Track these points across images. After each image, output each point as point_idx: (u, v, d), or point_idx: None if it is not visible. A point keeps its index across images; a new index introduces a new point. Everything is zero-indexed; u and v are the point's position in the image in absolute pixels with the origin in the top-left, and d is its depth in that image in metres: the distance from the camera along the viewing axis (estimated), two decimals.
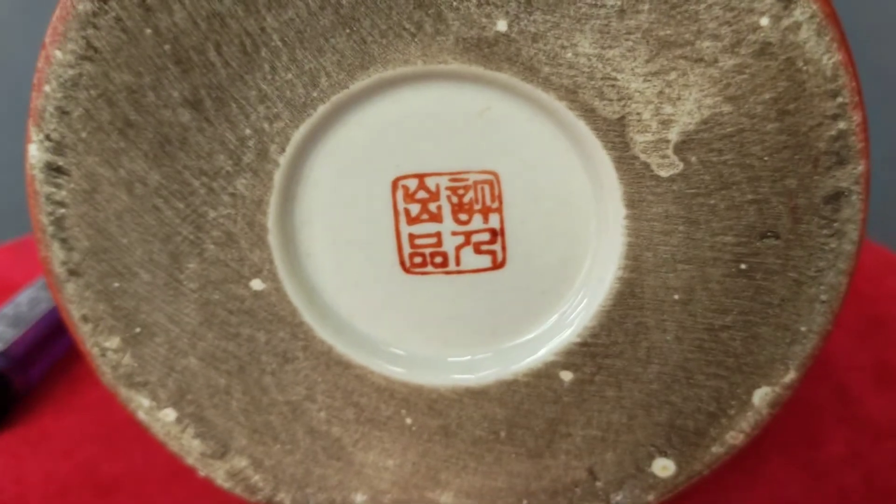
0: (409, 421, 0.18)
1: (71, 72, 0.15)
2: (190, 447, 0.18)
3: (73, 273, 0.16)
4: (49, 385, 0.27)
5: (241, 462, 0.18)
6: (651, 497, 0.18)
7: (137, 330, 0.17)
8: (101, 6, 0.14)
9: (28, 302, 0.28)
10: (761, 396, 0.17)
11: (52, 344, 0.27)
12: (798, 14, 0.14)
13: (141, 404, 0.18)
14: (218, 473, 0.19)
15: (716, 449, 0.18)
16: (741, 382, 0.17)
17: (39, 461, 0.23)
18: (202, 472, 0.19)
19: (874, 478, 0.22)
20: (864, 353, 0.28)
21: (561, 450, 0.18)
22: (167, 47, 0.15)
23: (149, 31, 0.15)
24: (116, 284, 0.17)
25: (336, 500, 0.19)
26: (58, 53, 0.15)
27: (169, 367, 0.17)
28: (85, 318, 0.17)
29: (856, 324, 0.30)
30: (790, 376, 0.17)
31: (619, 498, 0.19)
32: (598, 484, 0.18)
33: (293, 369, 0.18)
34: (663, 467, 0.18)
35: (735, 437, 0.18)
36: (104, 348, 0.17)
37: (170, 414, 0.18)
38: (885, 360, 0.27)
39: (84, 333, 0.17)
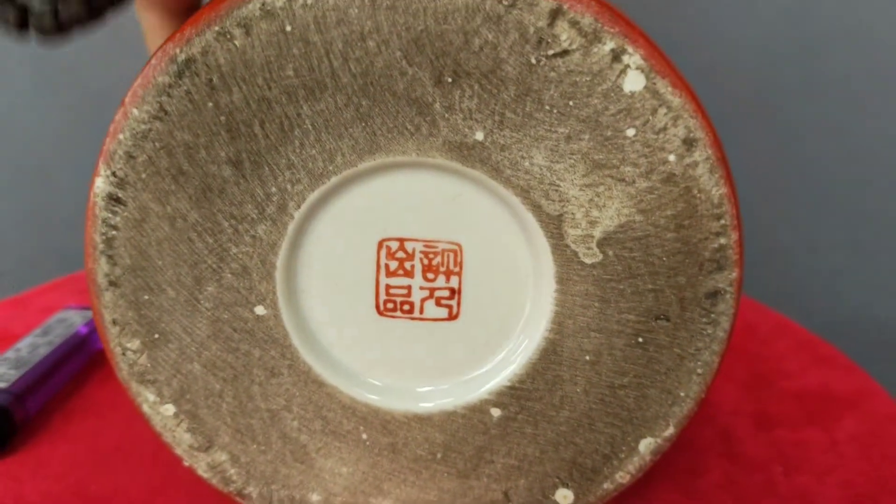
0: (364, 436, 0.22)
1: (143, 126, 0.19)
2: (181, 439, 0.22)
3: (112, 284, 0.20)
4: (45, 418, 0.31)
5: (221, 456, 0.22)
6: None
7: (156, 336, 0.21)
8: (176, 80, 0.19)
9: (28, 347, 0.33)
10: (646, 445, 0.22)
11: (48, 383, 0.32)
12: (696, 155, 0.19)
13: (147, 398, 0.21)
14: (200, 465, 0.22)
15: (607, 485, 0.22)
16: (631, 432, 0.22)
17: (37, 483, 0.27)
18: (187, 462, 0.22)
19: (745, 501, 0.27)
20: (748, 403, 0.33)
21: (484, 473, 0.22)
22: (223, 118, 0.19)
23: (210, 104, 0.19)
24: (146, 297, 0.21)
25: (295, 497, 0.23)
26: (135, 111, 0.19)
27: (176, 369, 0.21)
28: (114, 322, 0.21)
29: (745, 378, 0.35)
30: (670, 431, 0.22)
31: None
32: None
33: (277, 382, 0.22)
34: (564, 496, 0.22)
35: (623, 476, 0.22)
36: (125, 348, 0.21)
37: (169, 409, 0.22)
38: (765, 409, 0.32)
39: (111, 335, 0.21)
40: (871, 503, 0.27)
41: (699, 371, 0.21)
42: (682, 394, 0.21)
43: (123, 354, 0.21)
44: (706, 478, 0.28)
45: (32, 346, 0.33)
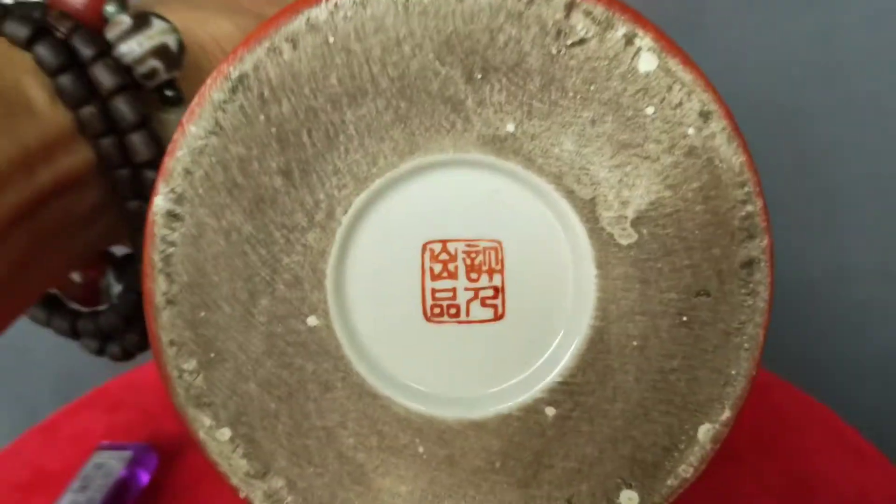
0: (421, 450, 0.22)
1: (200, 142, 0.20)
2: (237, 466, 0.22)
3: (170, 302, 0.21)
4: None
5: (278, 483, 0.22)
6: None
7: (212, 355, 0.21)
8: (230, 96, 0.20)
9: None
10: (705, 432, 0.22)
11: None
12: (713, 126, 0.21)
13: (203, 423, 0.21)
14: (257, 494, 0.22)
15: (671, 481, 0.22)
16: (688, 419, 0.22)
17: None
18: (243, 493, 0.22)
19: None
20: None
21: (545, 480, 0.22)
22: (273, 129, 0.21)
23: (262, 116, 0.20)
24: (203, 314, 0.21)
25: None
26: (192, 128, 0.20)
27: (232, 390, 0.21)
28: (172, 343, 0.21)
29: (779, 485, 0.34)
30: (726, 414, 0.22)
31: None
32: None
33: (332, 397, 0.22)
34: (629, 499, 0.22)
35: (686, 470, 0.22)
36: (182, 370, 0.21)
37: (226, 433, 0.22)
38: None
39: (168, 357, 0.21)
40: None
41: (746, 346, 0.21)
42: (732, 372, 0.22)
43: (180, 377, 0.21)
44: None
45: None
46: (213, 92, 0.20)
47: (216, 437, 0.22)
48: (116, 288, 0.29)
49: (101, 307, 0.29)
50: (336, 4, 0.20)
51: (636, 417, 0.22)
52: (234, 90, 0.20)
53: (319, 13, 0.20)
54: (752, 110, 0.53)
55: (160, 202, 0.21)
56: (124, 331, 0.28)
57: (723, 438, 0.22)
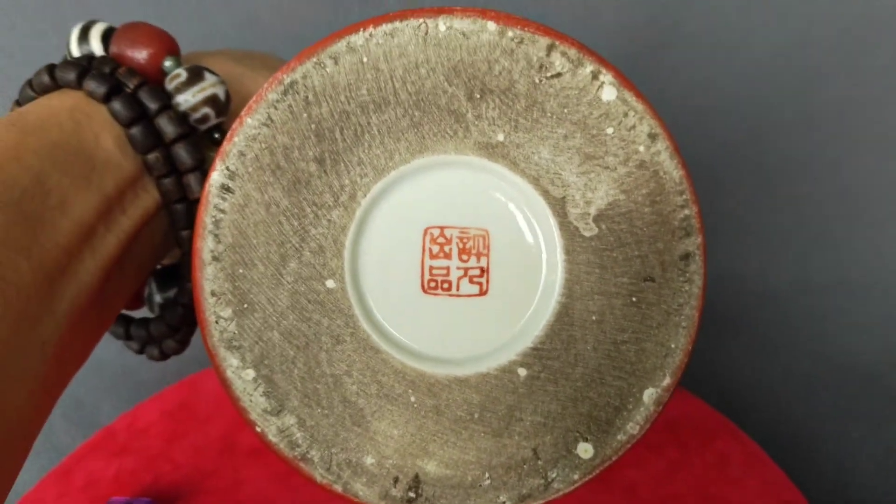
0: (413, 399, 0.26)
1: (253, 131, 0.26)
2: (257, 402, 0.26)
3: (215, 258, 0.26)
4: None
5: (290, 420, 0.26)
6: (576, 476, 0.26)
7: (245, 306, 0.26)
8: (282, 97, 0.26)
9: None
10: (649, 395, 0.26)
11: None
12: (659, 146, 0.26)
13: (231, 364, 0.26)
14: (271, 429, 0.26)
15: (620, 437, 0.26)
16: (636, 384, 0.26)
17: None
18: (259, 427, 0.26)
19: None
20: None
21: (515, 431, 0.26)
22: (313, 126, 0.26)
23: (305, 115, 0.26)
24: (241, 271, 0.26)
25: (352, 460, 0.26)
26: (249, 120, 0.26)
27: (258, 336, 0.26)
28: (213, 293, 0.26)
29: None
30: (667, 381, 0.26)
31: (553, 474, 0.26)
32: (540, 462, 0.26)
33: (341, 349, 0.26)
34: (585, 450, 0.26)
35: (633, 427, 0.26)
36: (219, 316, 0.25)
37: (250, 373, 0.26)
38: None
39: (208, 304, 0.26)
40: None
41: (684, 325, 0.26)
42: (672, 345, 0.26)
43: (216, 322, 0.26)
44: None
45: None
46: (268, 93, 0.26)
47: (241, 377, 0.26)
48: (157, 297, 0.33)
49: (151, 315, 0.33)
50: (371, 33, 0.26)
51: (593, 381, 0.26)
52: (285, 92, 0.26)
53: (357, 39, 0.26)
54: (718, 124, 0.56)
55: (216, 177, 0.26)
56: (167, 337, 0.32)
57: (664, 402, 0.26)
